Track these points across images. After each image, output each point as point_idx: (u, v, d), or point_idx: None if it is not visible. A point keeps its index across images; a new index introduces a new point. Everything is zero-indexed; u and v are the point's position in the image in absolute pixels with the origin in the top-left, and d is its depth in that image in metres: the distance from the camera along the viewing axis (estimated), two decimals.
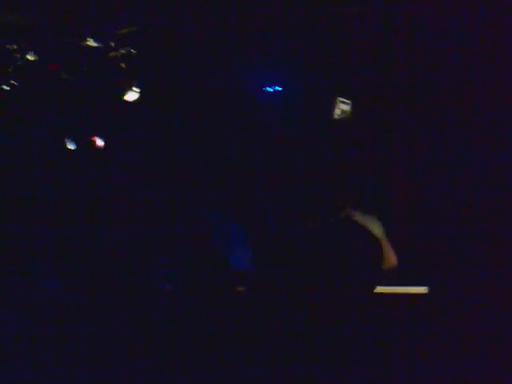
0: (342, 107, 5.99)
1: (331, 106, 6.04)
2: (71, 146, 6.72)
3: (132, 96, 6.58)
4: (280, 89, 6.52)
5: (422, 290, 5.41)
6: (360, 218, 5.35)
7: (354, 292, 4.98)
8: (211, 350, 5.12)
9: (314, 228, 5.73)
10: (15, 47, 6.39)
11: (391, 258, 5.42)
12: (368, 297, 5.01)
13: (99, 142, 6.76)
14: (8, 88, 6.48)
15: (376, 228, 5.40)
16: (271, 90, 6.45)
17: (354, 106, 6.00)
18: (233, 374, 4.90)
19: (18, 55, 6.41)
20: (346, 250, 5.29)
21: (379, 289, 5.15)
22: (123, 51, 6.55)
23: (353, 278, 5.02)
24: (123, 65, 6.58)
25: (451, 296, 5.38)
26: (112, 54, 6.58)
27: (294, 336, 4.78)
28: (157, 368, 5.15)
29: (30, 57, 6.41)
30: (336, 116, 6.04)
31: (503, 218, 5.46)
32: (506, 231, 5.41)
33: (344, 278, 5.04)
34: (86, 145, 6.74)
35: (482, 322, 5.11)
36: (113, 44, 6.54)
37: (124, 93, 6.57)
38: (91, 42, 6.48)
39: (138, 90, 6.58)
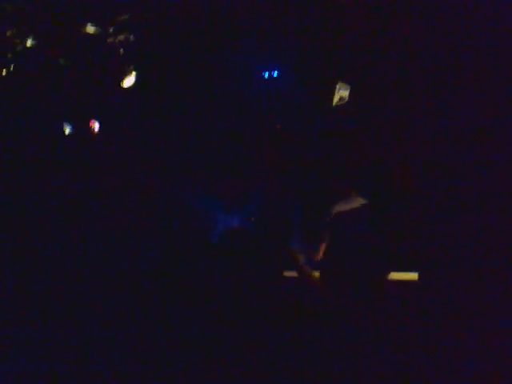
0: (342, 93, 6.07)
1: (331, 92, 6.11)
2: (70, 131, 6.74)
3: (130, 82, 6.62)
4: (277, 75, 6.57)
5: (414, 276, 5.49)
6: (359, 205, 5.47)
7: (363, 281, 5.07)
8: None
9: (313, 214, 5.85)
10: (15, 33, 6.40)
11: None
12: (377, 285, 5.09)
13: (97, 127, 6.78)
14: (7, 73, 6.49)
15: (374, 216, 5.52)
16: (268, 77, 6.50)
17: (353, 92, 6.07)
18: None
19: (18, 41, 6.42)
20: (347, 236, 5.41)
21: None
22: (122, 37, 6.58)
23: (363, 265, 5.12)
24: (122, 51, 6.61)
25: (442, 282, 5.45)
26: (110, 39, 6.61)
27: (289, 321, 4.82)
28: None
29: (29, 43, 6.43)
30: (335, 102, 6.11)
31: (494, 208, 5.54)
32: (497, 221, 5.49)
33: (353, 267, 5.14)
34: (84, 130, 6.76)
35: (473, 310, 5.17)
36: (111, 30, 6.58)
37: (122, 78, 6.60)
38: (90, 28, 6.51)
39: (135, 76, 6.62)
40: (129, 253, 6.02)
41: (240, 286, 5.01)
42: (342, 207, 5.52)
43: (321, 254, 5.53)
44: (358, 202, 5.58)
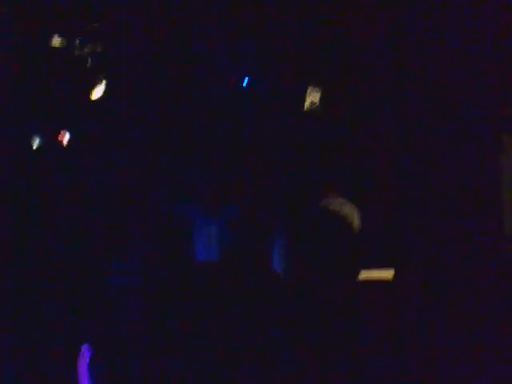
0: (313, 96, 6.04)
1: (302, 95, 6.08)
2: (39, 144, 6.65)
3: (99, 93, 6.55)
4: (248, 81, 6.54)
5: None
6: (339, 206, 5.42)
7: (335, 281, 5.01)
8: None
9: (290, 218, 5.79)
10: None
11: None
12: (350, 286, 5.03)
13: (66, 140, 6.69)
14: None
15: (354, 216, 5.48)
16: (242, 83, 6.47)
17: (325, 95, 6.05)
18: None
19: None
20: (326, 239, 5.33)
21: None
22: (89, 48, 6.52)
23: (333, 266, 5.05)
24: (89, 62, 6.54)
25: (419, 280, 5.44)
26: (78, 51, 6.54)
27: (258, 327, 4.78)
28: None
29: None
30: (307, 106, 6.08)
31: (470, 209, 5.55)
32: (473, 222, 5.51)
33: (324, 267, 5.07)
34: (53, 142, 6.67)
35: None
36: (78, 41, 6.51)
37: (91, 90, 6.53)
38: (56, 40, 6.44)
39: (105, 87, 6.55)
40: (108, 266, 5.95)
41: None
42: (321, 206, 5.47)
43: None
44: (337, 202, 5.53)
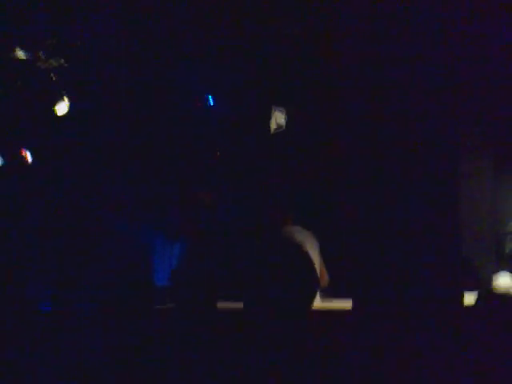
0: (278, 117, 5.95)
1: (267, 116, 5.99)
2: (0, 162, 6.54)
3: (63, 108, 6.44)
4: (213, 100, 6.45)
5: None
6: (297, 234, 5.35)
7: (290, 309, 4.95)
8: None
9: (247, 245, 5.71)
10: None
11: (324, 275, 5.47)
12: (304, 314, 4.98)
13: (29, 156, 6.58)
14: None
15: (313, 245, 5.42)
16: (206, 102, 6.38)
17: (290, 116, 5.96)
18: None
19: None
20: (282, 266, 5.25)
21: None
22: (53, 62, 6.39)
23: (288, 294, 4.98)
24: (53, 76, 6.42)
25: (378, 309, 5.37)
26: (41, 64, 6.41)
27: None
28: None
29: None
30: (272, 126, 6.00)
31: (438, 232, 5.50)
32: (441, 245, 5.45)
33: (280, 295, 5.00)
34: (15, 159, 6.56)
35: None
36: (42, 55, 6.38)
37: (54, 104, 6.42)
38: (20, 53, 6.31)
39: (68, 102, 6.44)
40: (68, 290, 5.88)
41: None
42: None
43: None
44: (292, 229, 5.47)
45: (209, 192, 6.03)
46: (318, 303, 5.29)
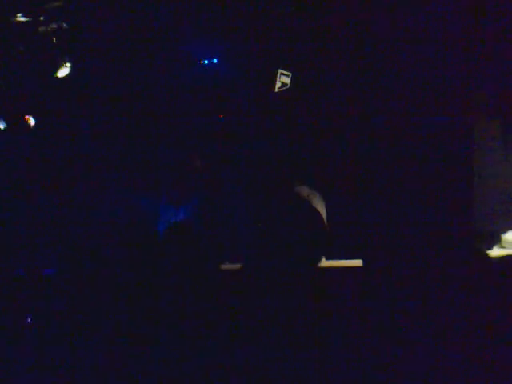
0: (283, 79, 5.92)
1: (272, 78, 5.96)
2: (2, 126, 6.49)
3: (64, 72, 6.40)
4: (216, 61, 6.40)
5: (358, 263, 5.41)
6: (306, 194, 5.34)
7: (298, 267, 4.96)
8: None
9: (257, 203, 5.72)
10: None
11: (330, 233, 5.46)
12: (312, 272, 4.99)
13: (32, 122, 6.54)
14: None
15: (319, 201, 5.41)
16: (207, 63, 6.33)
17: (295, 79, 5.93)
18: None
19: None
20: (291, 225, 5.27)
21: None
22: (54, 26, 6.34)
23: (297, 253, 5.00)
24: (54, 40, 6.37)
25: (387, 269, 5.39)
26: (42, 28, 6.36)
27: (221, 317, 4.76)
28: None
29: None
30: (277, 89, 5.96)
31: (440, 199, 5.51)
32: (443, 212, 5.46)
33: (288, 254, 5.01)
34: (18, 124, 6.52)
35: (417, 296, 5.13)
36: (42, 18, 6.33)
37: (56, 69, 6.37)
38: (20, 17, 6.26)
39: (69, 66, 6.40)
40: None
41: (186, 280, 4.92)
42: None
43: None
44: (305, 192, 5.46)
45: (199, 155, 6.04)
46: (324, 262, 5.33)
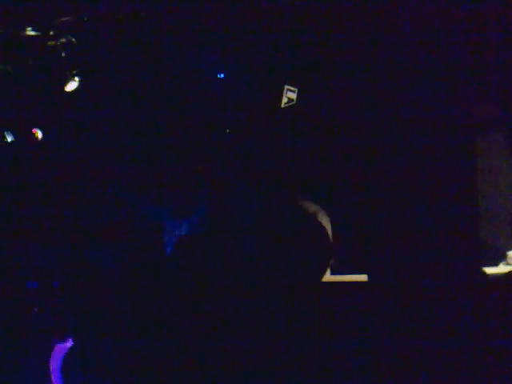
0: (289, 95, 5.94)
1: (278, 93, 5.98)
2: (11, 139, 6.52)
3: (73, 86, 6.43)
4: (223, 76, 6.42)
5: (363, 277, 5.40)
6: (309, 207, 5.34)
7: (300, 281, 4.93)
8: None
9: (259, 216, 5.69)
10: None
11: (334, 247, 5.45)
12: (314, 286, 4.96)
13: (40, 134, 6.56)
14: None
15: (324, 217, 5.41)
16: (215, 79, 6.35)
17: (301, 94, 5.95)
18: None
19: None
20: (294, 238, 5.24)
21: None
22: (63, 40, 6.38)
23: (300, 267, 4.96)
24: (63, 54, 6.41)
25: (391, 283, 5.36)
26: (51, 42, 6.40)
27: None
28: None
29: None
30: (284, 104, 5.98)
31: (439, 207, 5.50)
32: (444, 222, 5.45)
33: (291, 267, 4.98)
34: (26, 137, 6.55)
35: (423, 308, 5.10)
36: (52, 33, 6.36)
37: (65, 83, 6.41)
38: (30, 31, 6.30)
39: (78, 80, 6.43)
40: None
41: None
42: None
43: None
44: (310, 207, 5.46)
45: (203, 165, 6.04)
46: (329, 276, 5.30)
